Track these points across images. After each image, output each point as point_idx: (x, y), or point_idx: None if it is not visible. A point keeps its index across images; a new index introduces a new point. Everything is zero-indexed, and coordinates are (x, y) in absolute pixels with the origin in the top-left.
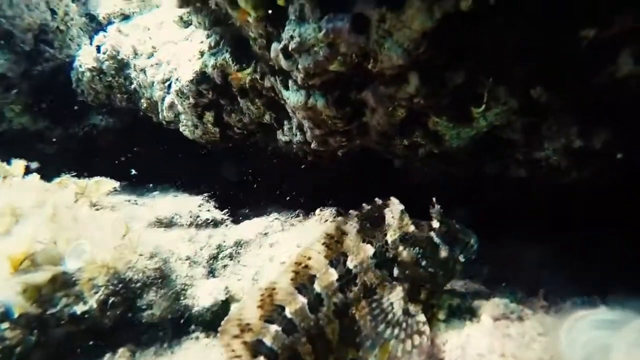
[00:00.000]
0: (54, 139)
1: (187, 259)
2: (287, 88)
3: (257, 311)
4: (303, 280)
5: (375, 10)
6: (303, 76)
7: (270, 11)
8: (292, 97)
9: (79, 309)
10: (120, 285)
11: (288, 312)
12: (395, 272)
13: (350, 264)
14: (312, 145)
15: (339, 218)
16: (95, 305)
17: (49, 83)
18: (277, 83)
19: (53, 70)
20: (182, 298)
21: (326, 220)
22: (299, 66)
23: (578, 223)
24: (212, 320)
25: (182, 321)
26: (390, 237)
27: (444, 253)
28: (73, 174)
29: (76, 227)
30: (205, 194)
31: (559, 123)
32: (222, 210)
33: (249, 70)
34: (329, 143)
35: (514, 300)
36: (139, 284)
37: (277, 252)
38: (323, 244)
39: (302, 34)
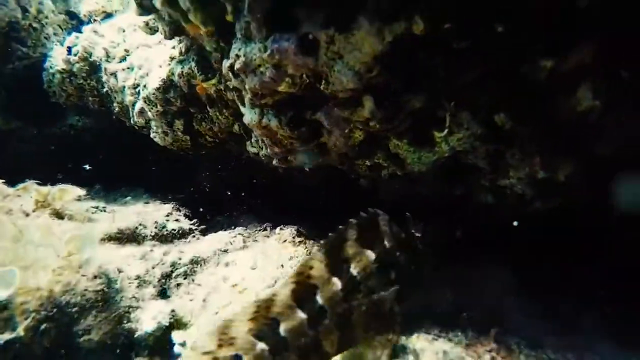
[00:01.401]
0: (29, 140)
1: (136, 279)
2: (243, 104)
3: (247, 324)
4: (305, 292)
5: (323, 32)
6: (251, 97)
7: (220, 26)
8: (247, 115)
9: (4, 337)
10: (54, 310)
11: (282, 329)
12: (392, 276)
13: (353, 270)
14: (274, 162)
15: (340, 227)
16: (22, 333)
17: (23, 82)
18: (235, 98)
19: (27, 68)
20: (125, 321)
21: (285, 240)
22: (246, 86)
23: (550, 252)
24: (155, 346)
25: (123, 346)
26: (388, 243)
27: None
28: (43, 178)
29: (16, 246)
30: (177, 202)
31: (523, 152)
32: (191, 220)
33: (213, 81)
34: (289, 160)
35: (461, 341)
36: (76, 308)
37: (232, 272)
38: (325, 252)
39: (248, 54)
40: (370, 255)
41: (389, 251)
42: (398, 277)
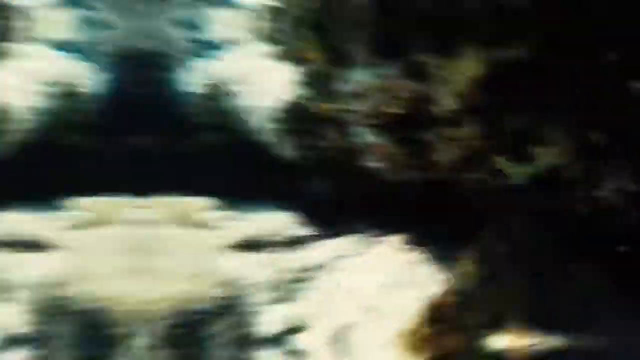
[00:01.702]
0: (164, 155)
1: (258, 284)
2: (357, 124)
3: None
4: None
5: (430, 58)
6: (363, 118)
7: (335, 54)
8: (361, 134)
9: (137, 343)
10: (183, 317)
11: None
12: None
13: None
14: (386, 175)
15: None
16: (153, 340)
17: (160, 105)
18: (350, 118)
19: (164, 92)
20: (249, 325)
21: (396, 247)
22: (358, 109)
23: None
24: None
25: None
26: (519, 242)
27: None
28: (174, 191)
29: (148, 256)
30: (297, 211)
31: (614, 166)
32: (310, 228)
33: (331, 103)
34: (400, 174)
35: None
36: (205, 315)
37: (347, 278)
38: (474, 249)
39: (360, 79)
40: (503, 250)
41: (519, 249)
42: (525, 272)
